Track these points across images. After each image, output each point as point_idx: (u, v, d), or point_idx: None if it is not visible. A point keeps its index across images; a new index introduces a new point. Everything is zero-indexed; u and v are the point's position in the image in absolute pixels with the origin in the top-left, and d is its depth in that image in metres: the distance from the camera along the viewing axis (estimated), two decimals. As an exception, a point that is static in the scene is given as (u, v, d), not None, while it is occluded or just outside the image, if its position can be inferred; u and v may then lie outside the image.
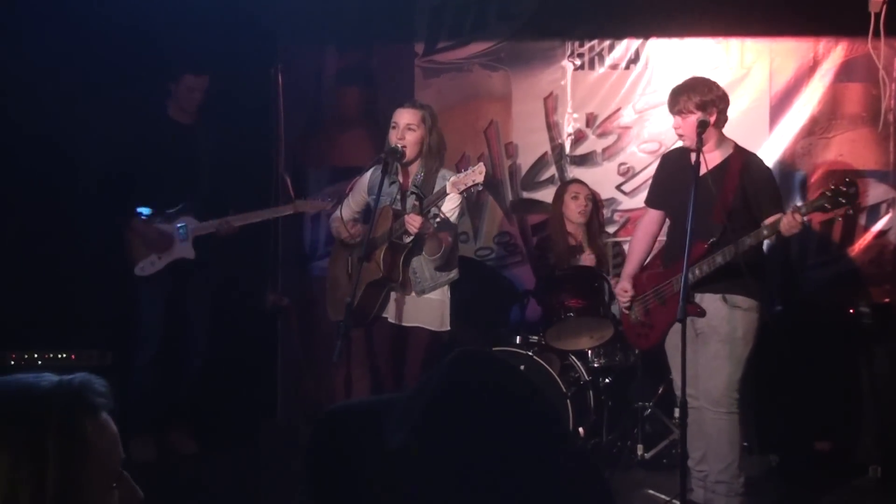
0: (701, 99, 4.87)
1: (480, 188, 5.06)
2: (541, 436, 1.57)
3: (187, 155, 6.34)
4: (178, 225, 6.26)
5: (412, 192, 5.25)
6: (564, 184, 6.76)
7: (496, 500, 1.50)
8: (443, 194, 5.07)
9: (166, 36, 6.32)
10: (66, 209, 6.47)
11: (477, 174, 4.94)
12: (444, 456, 1.52)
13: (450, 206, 5.23)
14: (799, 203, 6.38)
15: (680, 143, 5.16)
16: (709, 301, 4.85)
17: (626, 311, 5.30)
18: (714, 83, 5.00)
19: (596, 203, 6.66)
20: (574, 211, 6.50)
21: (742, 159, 4.97)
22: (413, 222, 5.04)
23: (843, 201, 4.52)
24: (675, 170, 5.13)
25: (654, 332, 5.15)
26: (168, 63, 6.40)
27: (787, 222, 4.58)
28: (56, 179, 6.40)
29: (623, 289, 5.25)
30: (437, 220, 5.20)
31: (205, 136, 6.43)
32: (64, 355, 5.80)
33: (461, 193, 5.06)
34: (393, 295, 5.37)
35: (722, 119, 4.97)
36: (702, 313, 4.84)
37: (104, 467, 1.63)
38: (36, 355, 5.75)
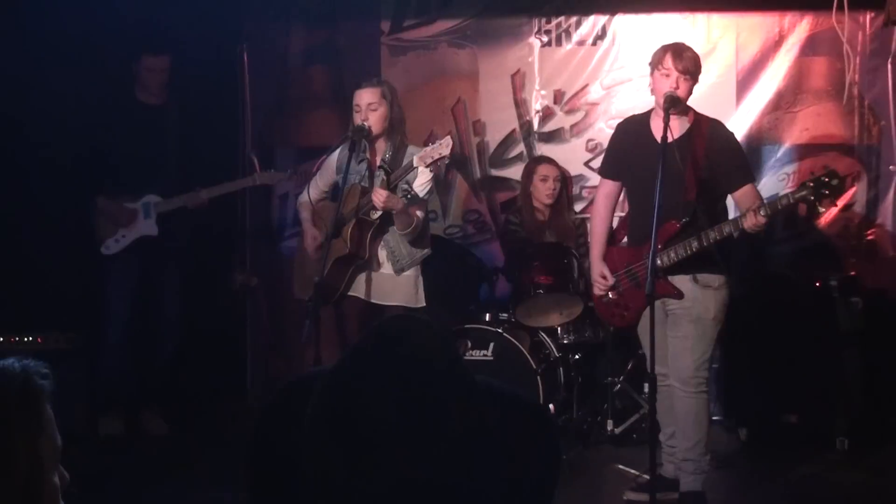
0: (691, 65, 4.81)
1: (447, 161, 5.06)
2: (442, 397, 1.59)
3: (155, 135, 6.34)
4: (143, 202, 6.29)
5: (380, 167, 5.23)
6: (533, 162, 6.73)
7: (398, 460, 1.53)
8: (410, 168, 5.06)
9: (129, 15, 6.26)
10: (29, 191, 6.40)
11: (443, 147, 4.93)
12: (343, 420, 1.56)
13: (420, 182, 5.21)
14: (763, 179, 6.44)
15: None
16: (679, 283, 4.80)
17: (600, 293, 5.18)
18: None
19: (565, 182, 6.66)
20: (542, 192, 6.49)
21: (705, 128, 4.90)
22: (378, 197, 5.01)
23: (827, 193, 4.44)
24: (630, 139, 5.08)
25: (630, 313, 5.04)
26: (131, 43, 6.37)
27: (751, 222, 4.55)
28: (19, 161, 6.33)
29: (601, 274, 5.11)
30: (408, 195, 5.18)
31: (173, 116, 6.43)
32: (30, 339, 5.76)
33: (428, 167, 5.04)
34: (366, 274, 5.35)
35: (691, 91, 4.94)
36: (679, 295, 4.78)
37: (53, 445, 1.70)
38: (1, 339, 5.71)
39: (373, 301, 5.36)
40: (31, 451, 1.63)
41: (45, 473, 1.66)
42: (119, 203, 6.29)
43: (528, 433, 1.75)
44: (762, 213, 4.54)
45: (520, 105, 7.18)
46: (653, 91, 4.94)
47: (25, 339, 5.75)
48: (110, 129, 6.26)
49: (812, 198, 4.49)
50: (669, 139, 4.66)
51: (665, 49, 4.89)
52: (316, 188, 5.61)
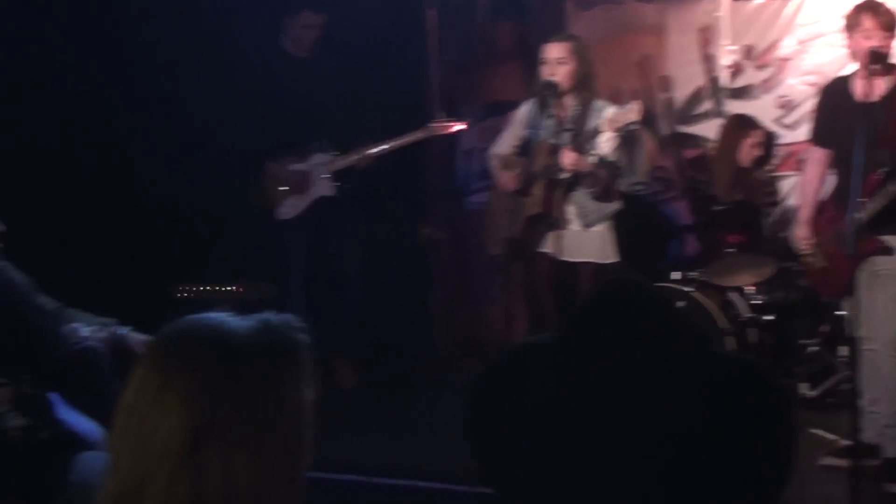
0: (890, 20, 4.66)
1: (636, 127, 5.01)
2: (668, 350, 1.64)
3: (308, 89, 6.25)
4: (314, 162, 6.26)
5: (567, 129, 5.23)
6: (744, 126, 6.36)
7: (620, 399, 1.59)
8: (596, 133, 5.05)
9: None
10: (216, 152, 6.46)
11: (631, 113, 4.90)
12: (582, 351, 1.63)
13: (606, 141, 5.19)
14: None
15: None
16: (890, 243, 4.63)
17: (810, 260, 5.09)
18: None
19: (770, 143, 6.49)
20: (748, 157, 6.29)
21: None
22: (567, 159, 5.04)
23: None
24: (835, 102, 4.94)
25: (840, 278, 4.82)
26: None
27: None
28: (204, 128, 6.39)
29: (802, 235, 5.06)
30: (595, 157, 5.17)
31: (327, 69, 6.36)
32: (231, 288, 5.89)
33: (616, 131, 5.02)
34: (555, 231, 5.34)
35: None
36: (887, 251, 4.63)
37: (312, 398, 1.70)
38: (205, 287, 5.85)
39: (563, 258, 5.36)
40: (298, 403, 1.63)
41: (309, 425, 1.66)
42: (288, 167, 6.24)
43: (759, 401, 1.74)
44: None
45: (707, 60, 7.04)
46: (853, 55, 4.81)
47: (226, 289, 5.87)
48: (266, 83, 6.22)
49: None
50: (874, 98, 4.53)
51: (859, 9, 4.75)
52: (506, 142, 5.64)
